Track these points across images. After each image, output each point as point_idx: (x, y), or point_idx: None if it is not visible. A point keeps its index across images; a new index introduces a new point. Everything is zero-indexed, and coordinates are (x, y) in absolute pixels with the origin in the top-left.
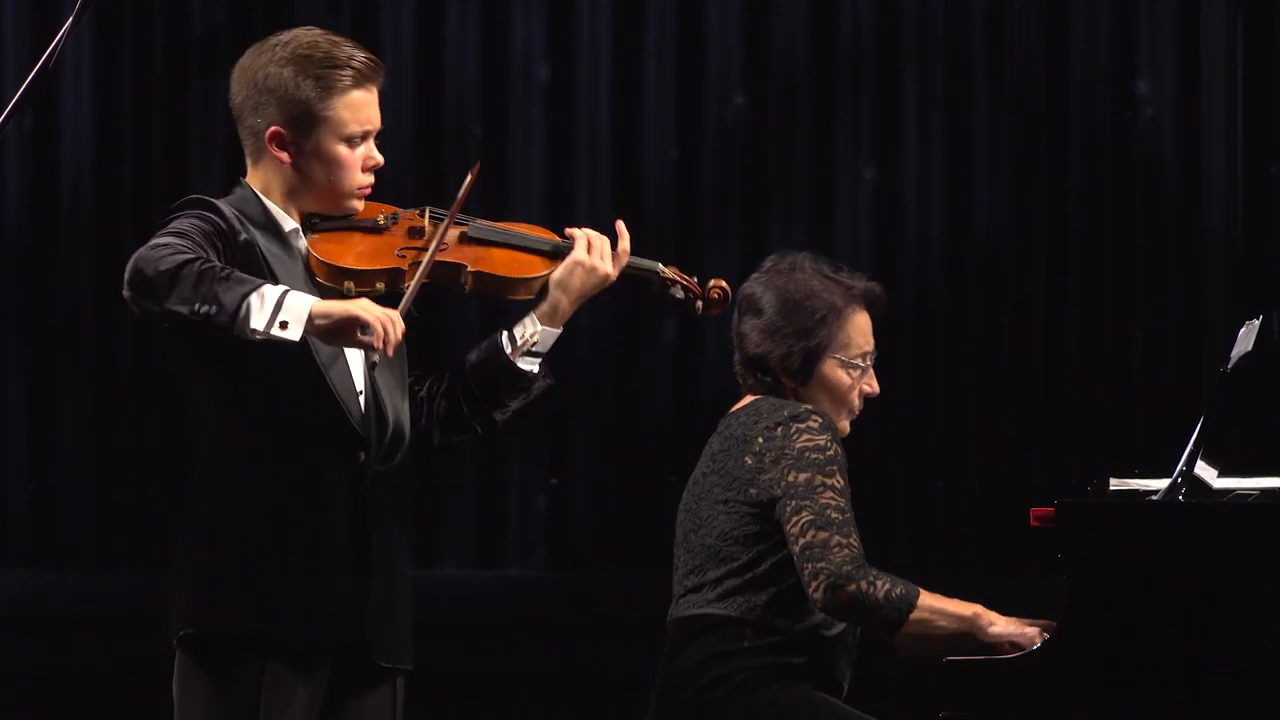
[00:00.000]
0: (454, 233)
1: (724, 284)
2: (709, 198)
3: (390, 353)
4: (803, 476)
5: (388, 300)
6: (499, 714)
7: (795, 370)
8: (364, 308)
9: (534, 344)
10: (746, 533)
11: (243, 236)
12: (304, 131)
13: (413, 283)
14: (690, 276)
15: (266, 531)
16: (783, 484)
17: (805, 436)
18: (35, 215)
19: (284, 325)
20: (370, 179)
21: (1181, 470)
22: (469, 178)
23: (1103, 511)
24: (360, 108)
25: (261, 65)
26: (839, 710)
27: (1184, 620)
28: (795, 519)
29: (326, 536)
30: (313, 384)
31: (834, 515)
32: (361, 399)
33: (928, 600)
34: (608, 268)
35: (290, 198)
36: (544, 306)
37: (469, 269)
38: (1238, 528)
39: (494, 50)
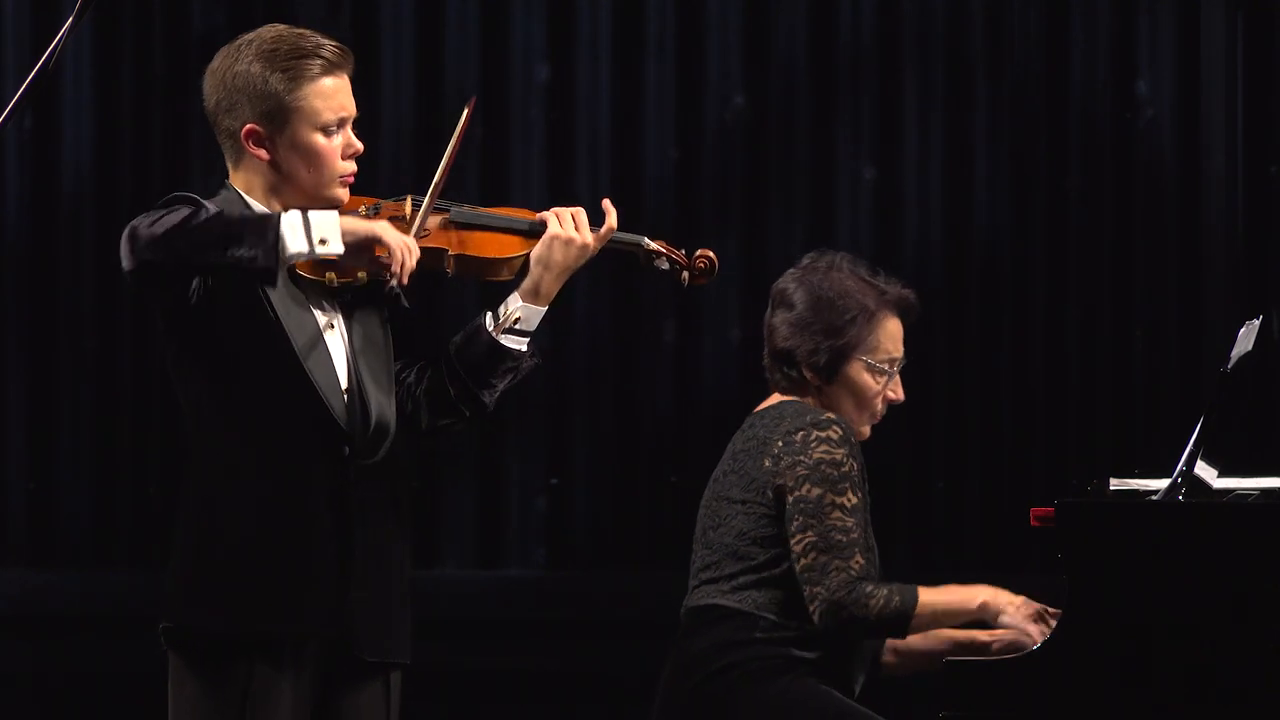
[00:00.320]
0: (436, 219)
1: (710, 254)
2: (709, 198)
3: (405, 280)
4: (815, 492)
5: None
6: (499, 714)
7: (821, 367)
8: (385, 229)
9: (517, 321)
10: (763, 534)
11: None
12: (278, 126)
13: (426, 198)
14: (678, 249)
15: (248, 528)
16: (796, 493)
17: (823, 448)
18: (35, 215)
19: (324, 242)
20: (352, 166)
21: (1181, 470)
22: (466, 111)
23: (1103, 511)
24: (332, 95)
25: (230, 65)
26: (848, 708)
27: (1184, 620)
28: (800, 536)
29: (309, 532)
30: (295, 380)
31: (838, 537)
32: (345, 394)
33: (927, 603)
34: (584, 238)
35: (273, 194)
36: (526, 284)
37: (450, 253)
38: (1238, 528)
39: (494, 50)
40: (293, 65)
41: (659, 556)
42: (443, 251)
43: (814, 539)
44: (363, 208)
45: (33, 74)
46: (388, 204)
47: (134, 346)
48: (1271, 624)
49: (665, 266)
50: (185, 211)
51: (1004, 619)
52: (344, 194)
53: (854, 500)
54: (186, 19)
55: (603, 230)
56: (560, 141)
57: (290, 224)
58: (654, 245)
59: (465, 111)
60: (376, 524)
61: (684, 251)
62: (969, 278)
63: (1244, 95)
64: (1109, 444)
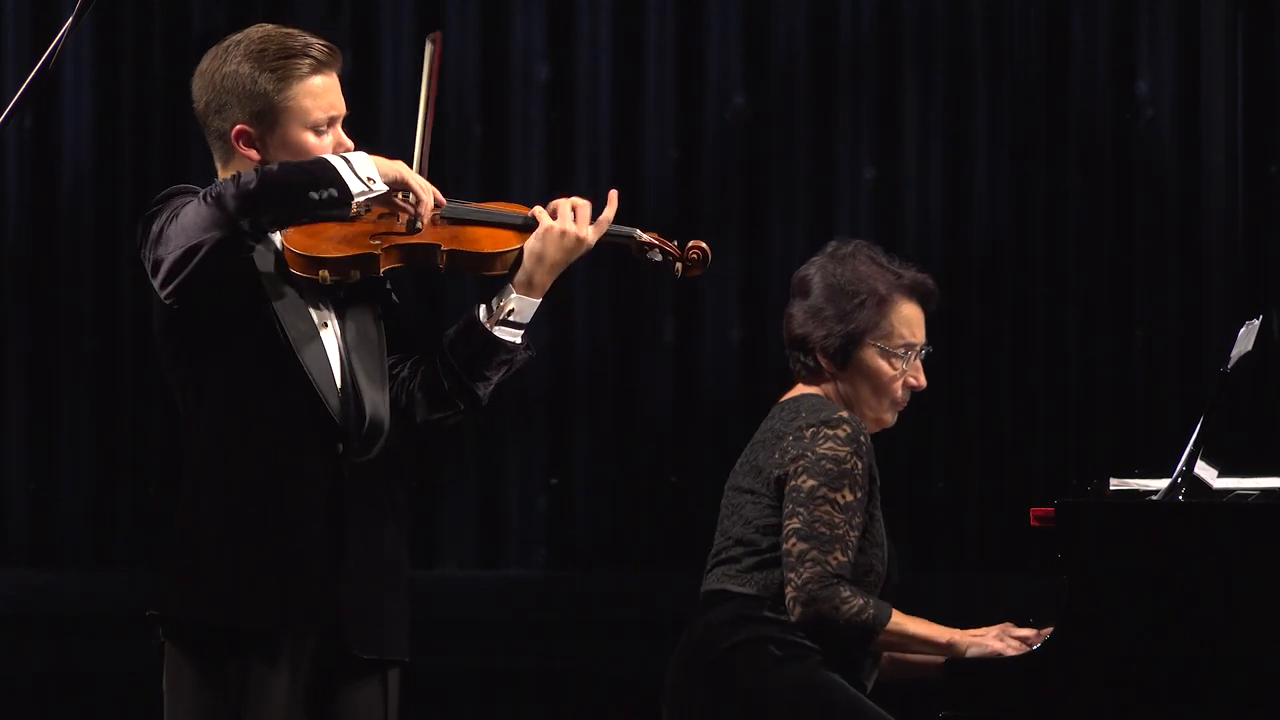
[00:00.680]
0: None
1: (703, 245)
2: (709, 198)
3: (424, 223)
4: (810, 483)
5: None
6: (499, 714)
7: (833, 353)
8: (410, 172)
9: (511, 312)
10: (767, 523)
11: None
12: (269, 125)
13: (418, 144)
14: (670, 240)
15: (243, 523)
16: (792, 482)
17: (829, 444)
18: (35, 215)
19: (371, 180)
20: None
21: (1181, 470)
22: (430, 47)
23: (1103, 511)
24: (321, 94)
25: (219, 66)
26: (859, 703)
27: (1184, 620)
28: (788, 523)
29: (302, 529)
30: (293, 377)
31: (821, 530)
32: (340, 392)
33: (898, 625)
34: (580, 231)
35: None
36: (519, 275)
37: (443, 248)
38: (1238, 528)
39: (494, 50)
40: (282, 65)
41: (659, 556)
42: (435, 247)
43: (798, 526)
44: None
45: (33, 74)
46: None
47: (134, 346)
48: (1271, 624)
49: (658, 258)
50: (252, 175)
51: (973, 651)
52: None
53: (849, 498)
54: (186, 19)
55: (600, 220)
56: (560, 141)
57: (341, 165)
58: (646, 237)
59: (430, 48)
60: (371, 521)
61: (676, 243)
62: (969, 278)
63: (1244, 95)
64: (1109, 444)
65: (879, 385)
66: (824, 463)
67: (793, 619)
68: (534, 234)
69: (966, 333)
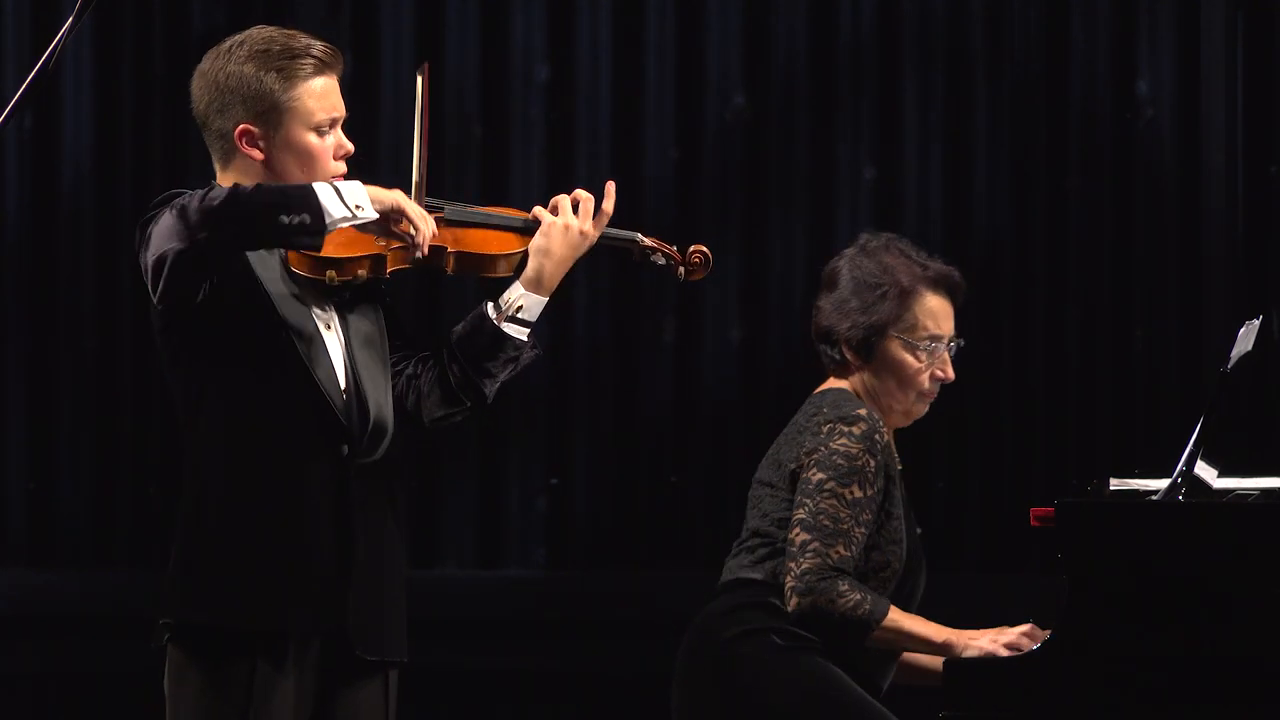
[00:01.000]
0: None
1: (704, 249)
2: (709, 197)
3: (424, 251)
4: (819, 476)
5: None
6: (499, 714)
7: (857, 345)
8: (406, 199)
9: (518, 309)
10: (782, 516)
11: None
12: (273, 125)
13: (415, 175)
14: (671, 245)
15: (247, 525)
16: (803, 475)
17: (843, 440)
18: (35, 215)
19: (359, 208)
20: (342, 167)
21: (1181, 470)
22: (420, 79)
23: (1103, 511)
24: (325, 95)
25: (221, 67)
26: (859, 696)
27: (1184, 620)
28: (795, 514)
29: (306, 530)
30: (299, 378)
31: (825, 522)
32: (344, 393)
33: (894, 621)
34: (583, 225)
35: None
36: (528, 272)
37: (449, 251)
38: (1238, 528)
39: (494, 50)
40: (286, 65)
41: (659, 556)
42: (441, 249)
43: (803, 517)
44: None
45: (33, 74)
46: None
47: (134, 346)
48: (1271, 624)
49: (661, 262)
50: (223, 190)
51: (969, 652)
52: None
53: (857, 494)
54: (186, 19)
55: (600, 214)
56: (560, 141)
57: (325, 192)
58: (648, 242)
59: (420, 80)
60: (374, 522)
61: (677, 248)
62: (969, 278)
63: (1244, 95)
64: (1109, 444)
65: (904, 378)
66: (836, 458)
67: (789, 609)
68: (539, 231)
69: (966, 333)
